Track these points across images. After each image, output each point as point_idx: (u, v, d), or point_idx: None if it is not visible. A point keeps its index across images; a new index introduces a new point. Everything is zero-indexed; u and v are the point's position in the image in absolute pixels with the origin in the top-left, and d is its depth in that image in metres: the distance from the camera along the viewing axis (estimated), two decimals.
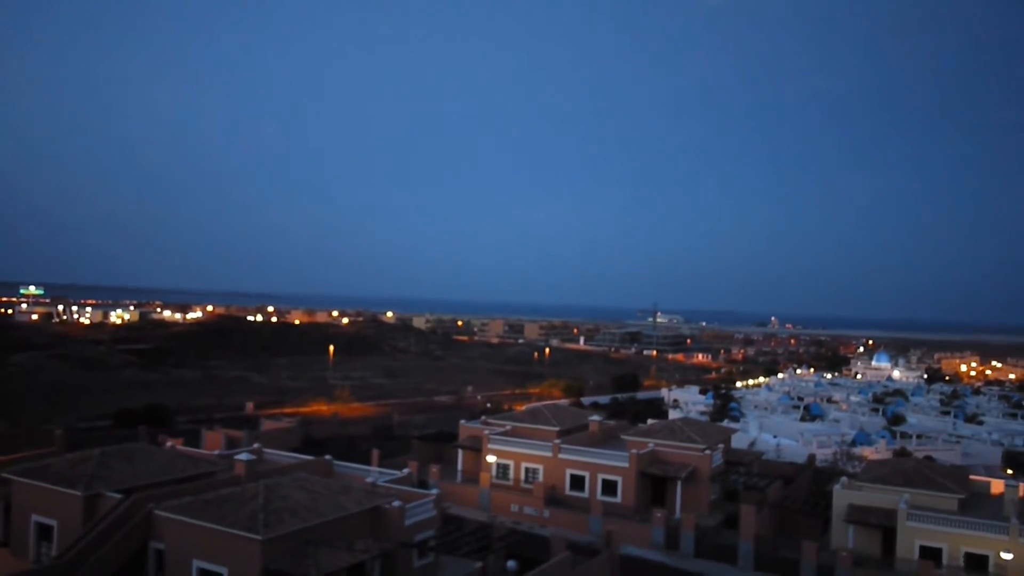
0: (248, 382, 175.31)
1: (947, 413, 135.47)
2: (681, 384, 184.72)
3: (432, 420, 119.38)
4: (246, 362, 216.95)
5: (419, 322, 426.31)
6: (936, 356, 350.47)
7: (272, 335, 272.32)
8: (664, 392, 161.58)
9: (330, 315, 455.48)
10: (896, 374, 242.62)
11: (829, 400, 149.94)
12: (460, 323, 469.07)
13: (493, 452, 71.78)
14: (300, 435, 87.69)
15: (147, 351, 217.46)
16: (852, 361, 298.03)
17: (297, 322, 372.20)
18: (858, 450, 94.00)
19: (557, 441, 70.06)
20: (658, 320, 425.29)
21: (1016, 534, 50.01)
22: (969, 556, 50.97)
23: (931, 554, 51.61)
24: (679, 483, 65.73)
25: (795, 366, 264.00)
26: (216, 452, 59.24)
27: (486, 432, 74.06)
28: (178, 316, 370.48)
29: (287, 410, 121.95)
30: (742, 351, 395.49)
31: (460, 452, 76.21)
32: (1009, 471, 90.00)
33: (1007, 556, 49.75)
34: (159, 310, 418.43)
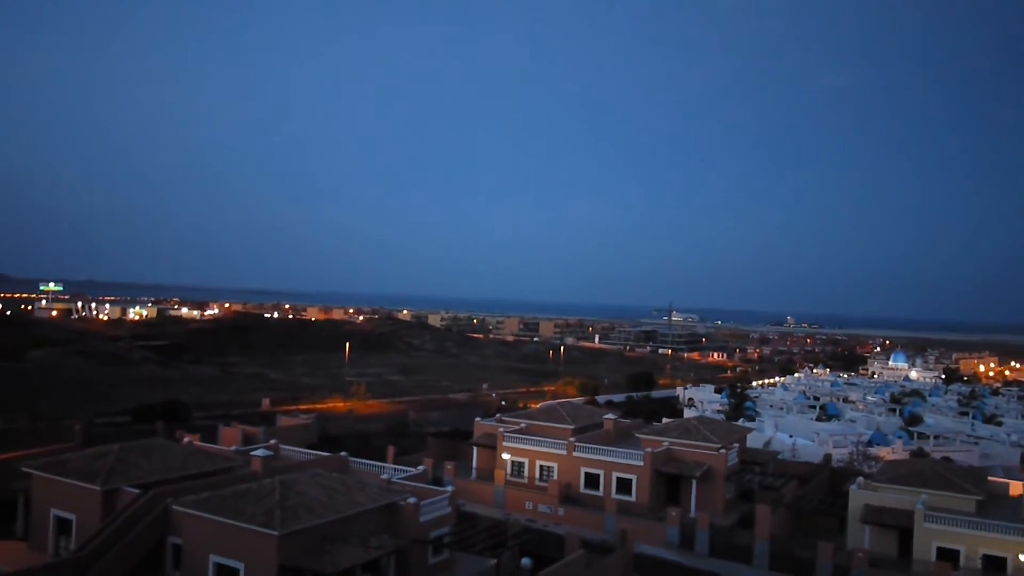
0: (265, 379, 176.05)
1: (965, 414, 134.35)
2: (696, 383, 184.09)
3: (447, 418, 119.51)
4: (263, 359, 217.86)
5: (435, 320, 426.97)
6: (954, 356, 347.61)
7: (289, 332, 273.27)
8: (679, 391, 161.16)
9: (346, 312, 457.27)
10: (913, 374, 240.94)
11: (845, 400, 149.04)
12: (475, 321, 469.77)
13: (508, 450, 71.84)
14: (316, 432, 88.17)
15: (165, 347, 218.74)
16: (869, 361, 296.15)
17: (313, 319, 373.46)
18: (875, 450, 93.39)
19: (572, 439, 70.03)
20: (673, 319, 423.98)
21: None
22: (987, 558, 50.59)
23: (948, 556, 51.26)
24: (694, 482, 65.55)
25: (811, 365, 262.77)
26: (233, 448, 59.61)
27: (501, 430, 74.12)
28: (196, 313, 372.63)
29: (303, 407, 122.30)
30: (758, 350, 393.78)
31: (475, 450, 76.34)
32: None
33: None
34: (177, 307, 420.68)
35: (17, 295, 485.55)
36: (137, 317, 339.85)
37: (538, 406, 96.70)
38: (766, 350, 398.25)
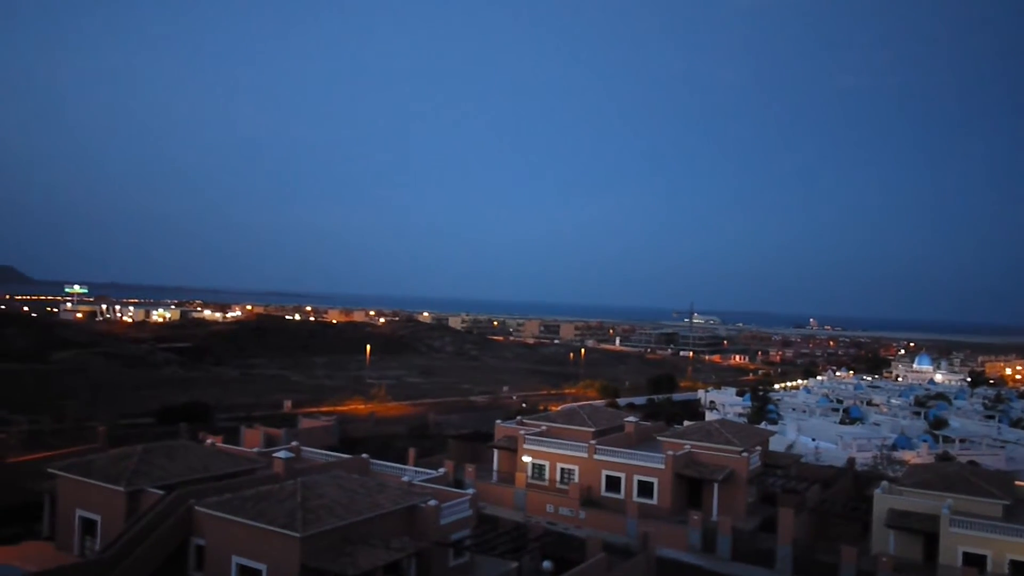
0: (286, 381, 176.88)
1: (991, 417, 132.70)
2: (718, 386, 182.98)
3: (468, 420, 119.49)
4: (284, 361, 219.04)
5: (455, 322, 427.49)
6: (979, 359, 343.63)
7: (310, 334, 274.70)
8: (701, 394, 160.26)
9: (367, 315, 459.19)
10: (938, 377, 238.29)
11: (869, 403, 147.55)
12: (496, 323, 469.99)
13: (529, 452, 71.75)
14: (337, 434, 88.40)
15: (188, 349, 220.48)
16: (893, 363, 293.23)
17: (334, 322, 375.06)
18: (899, 454, 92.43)
19: (593, 442, 69.84)
20: (694, 321, 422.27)
21: None
22: (1014, 563, 49.86)
23: (975, 561, 50.57)
24: (716, 485, 65.17)
25: (834, 368, 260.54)
26: (255, 450, 59.94)
27: (522, 432, 74.06)
28: (218, 315, 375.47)
29: (324, 409, 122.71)
30: (780, 353, 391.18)
31: (496, 452, 76.27)
32: None
33: None
34: (199, 309, 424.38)
35: (42, 297, 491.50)
36: (160, 319, 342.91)
37: (559, 409, 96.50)
38: (788, 352, 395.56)
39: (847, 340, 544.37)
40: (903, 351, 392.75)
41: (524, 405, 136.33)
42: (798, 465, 77.21)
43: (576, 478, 69.14)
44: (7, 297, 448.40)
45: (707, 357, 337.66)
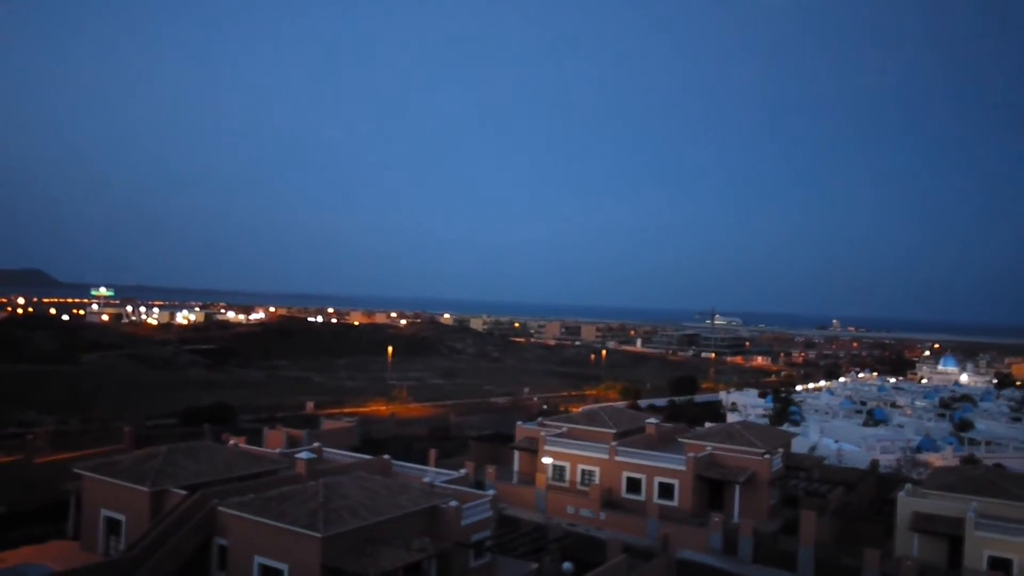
0: (309, 382, 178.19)
1: (1018, 419, 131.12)
2: (740, 387, 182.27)
3: (489, 421, 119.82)
4: (307, 362, 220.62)
5: (476, 324, 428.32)
6: (1006, 360, 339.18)
7: (332, 336, 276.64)
8: (722, 395, 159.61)
9: (389, 316, 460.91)
10: (964, 378, 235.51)
11: (893, 405, 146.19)
12: (517, 325, 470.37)
13: (549, 453, 71.76)
14: (359, 435, 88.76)
15: (212, 351, 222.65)
16: (917, 365, 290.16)
17: (357, 323, 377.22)
18: (923, 456, 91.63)
19: (614, 443, 69.74)
20: (716, 322, 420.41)
21: None
22: None
23: (1001, 565, 49.97)
24: (737, 487, 64.88)
25: (857, 369, 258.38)
26: (278, 451, 60.31)
27: (542, 433, 74.06)
28: (242, 317, 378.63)
29: (346, 410, 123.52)
30: (802, 354, 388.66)
31: (516, 453, 76.33)
32: None
33: None
34: (223, 311, 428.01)
35: (69, 300, 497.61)
36: (185, 322, 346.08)
37: (580, 410, 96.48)
38: (811, 354, 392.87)
39: (870, 341, 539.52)
40: (928, 352, 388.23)
41: (545, 407, 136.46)
42: (821, 467, 76.65)
43: (597, 479, 69.05)
44: (35, 300, 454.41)
45: (729, 358, 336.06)
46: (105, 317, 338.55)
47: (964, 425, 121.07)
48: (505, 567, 46.58)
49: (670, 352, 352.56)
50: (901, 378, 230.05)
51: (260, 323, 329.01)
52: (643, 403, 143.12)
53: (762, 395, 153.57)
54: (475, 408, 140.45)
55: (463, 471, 59.95)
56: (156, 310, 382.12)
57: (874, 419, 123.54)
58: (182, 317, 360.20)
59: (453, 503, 43.63)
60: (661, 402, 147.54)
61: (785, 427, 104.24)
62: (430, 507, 42.96)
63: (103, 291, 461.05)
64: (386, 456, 57.40)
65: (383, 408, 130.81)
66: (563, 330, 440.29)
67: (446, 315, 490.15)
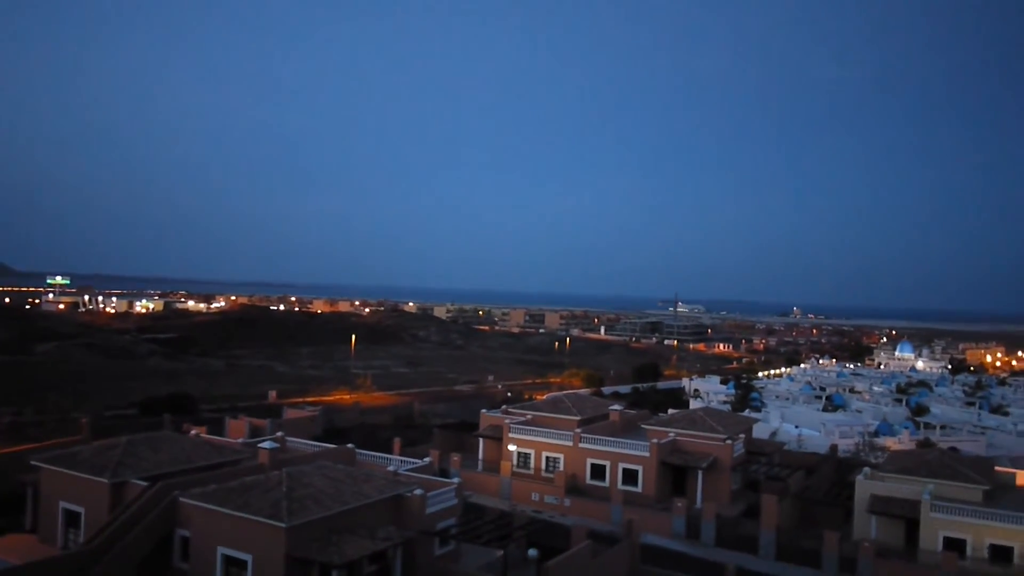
0: (271, 371, 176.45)
1: (972, 404, 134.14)
2: (702, 374, 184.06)
3: (453, 409, 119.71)
4: (269, 351, 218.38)
5: (440, 312, 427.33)
6: (960, 346, 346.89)
7: (295, 325, 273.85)
8: (685, 382, 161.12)
9: (352, 305, 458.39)
10: (920, 364, 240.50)
11: (851, 390, 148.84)
12: (481, 312, 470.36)
13: (514, 441, 71.93)
14: (322, 424, 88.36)
15: (172, 340, 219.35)
16: (875, 351, 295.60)
17: (319, 312, 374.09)
18: (881, 440, 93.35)
19: (578, 430, 70.11)
20: (679, 310, 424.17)
21: None
22: (994, 547, 50.55)
23: (955, 545, 51.23)
24: (700, 473, 65.61)
25: (817, 356, 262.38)
26: (240, 440, 59.84)
27: (507, 421, 74.24)
28: (202, 306, 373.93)
29: (309, 399, 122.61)
30: (763, 341, 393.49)
31: (481, 441, 76.46)
32: None
33: None
34: (183, 300, 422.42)
35: (24, 288, 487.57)
36: (144, 310, 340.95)
37: (544, 397, 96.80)
38: (772, 341, 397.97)
39: (830, 328, 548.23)
40: (885, 339, 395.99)
41: (509, 394, 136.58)
42: (781, 452, 77.78)
43: (561, 466, 69.41)
44: None
45: (691, 346, 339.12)
46: (61, 306, 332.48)
47: (920, 410, 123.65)
48: (470, 554, 46.66)
49: (633, 339, 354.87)
50: (859, 364, 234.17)
51: (221, 312, 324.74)
52: (607, 390, 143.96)
53: (724, 382, 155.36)
54: (439, 396, 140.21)
55: (427, 459, 59.92)
56: (114, 299, 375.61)
57: (833, 404, 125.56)
58: (141, 306, 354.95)
59: (418, 491, 43.58)
60: (625, 389, 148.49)
61: (746, 413, 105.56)
62: (395, 496, 42.87)
63: (59, 280, 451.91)
64: (350, 445, 57.16)
65: (347, 397, 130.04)
66: (527, 318, 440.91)
67: (409, 303, 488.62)
